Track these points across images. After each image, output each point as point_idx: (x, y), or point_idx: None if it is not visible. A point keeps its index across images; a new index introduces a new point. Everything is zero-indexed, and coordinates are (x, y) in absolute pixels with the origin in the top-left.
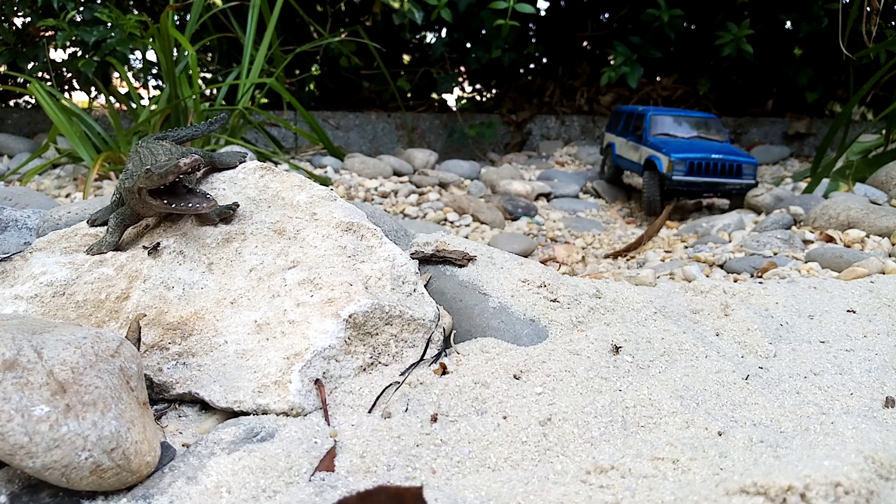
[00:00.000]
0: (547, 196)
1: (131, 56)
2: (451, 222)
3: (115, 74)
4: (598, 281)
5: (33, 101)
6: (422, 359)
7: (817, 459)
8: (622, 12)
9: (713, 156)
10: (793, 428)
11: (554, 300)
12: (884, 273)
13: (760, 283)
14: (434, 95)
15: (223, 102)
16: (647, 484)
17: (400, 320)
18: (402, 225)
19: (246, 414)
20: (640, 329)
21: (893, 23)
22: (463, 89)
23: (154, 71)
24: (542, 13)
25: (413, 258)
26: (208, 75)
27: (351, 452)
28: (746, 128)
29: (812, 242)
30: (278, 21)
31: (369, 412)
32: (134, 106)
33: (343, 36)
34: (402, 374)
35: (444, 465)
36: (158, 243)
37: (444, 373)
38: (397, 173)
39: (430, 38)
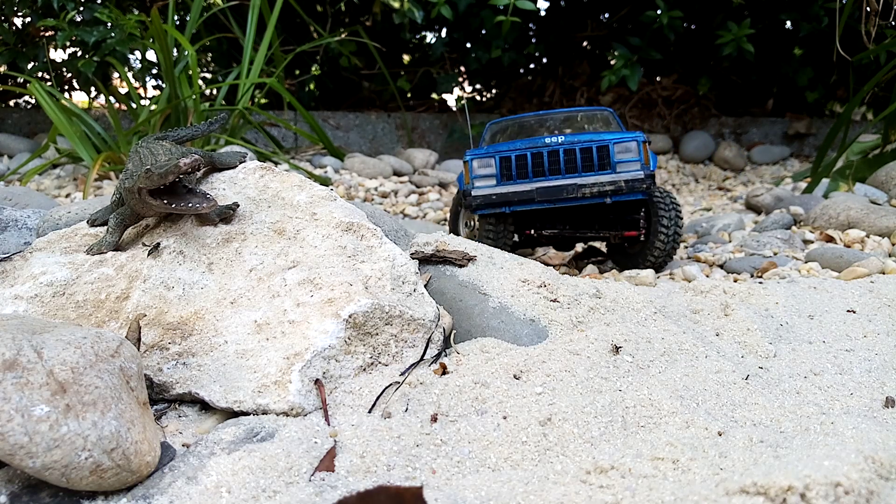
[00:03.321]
0: None
1: (131, 56)
2: None
3: (115, 74)
4: (598, 281)
5: (33, 101)
6: (422, 359)
7: (817, 459)
8: (622, 12)
9: (548, 140)
10: (793, 428)
11: (554, 300)
12: (884, 273)
13: (760, 283)
14: (434, 95)
15: (223, 102)
16: (647, 484)
17: (400, 320)
18: (402, 225)
19: (246, 414)
20: (640, 329)
21: (894, 23)
22: (463, 89)
23: (154, 71)
24: (542, 13)
25: (413, 258)
26: (208, 75)
27: (351, 452)
28: (746, 128)
29: (812, 242)
30: (278, 21)
31: (369, 412)
32: (134, 106)
33: (343, 36)
34: (402, 374)
35: (444, 465)
36: (158, 243)
37: (444, 373)
38: (397, 173)
39: (430, 37)
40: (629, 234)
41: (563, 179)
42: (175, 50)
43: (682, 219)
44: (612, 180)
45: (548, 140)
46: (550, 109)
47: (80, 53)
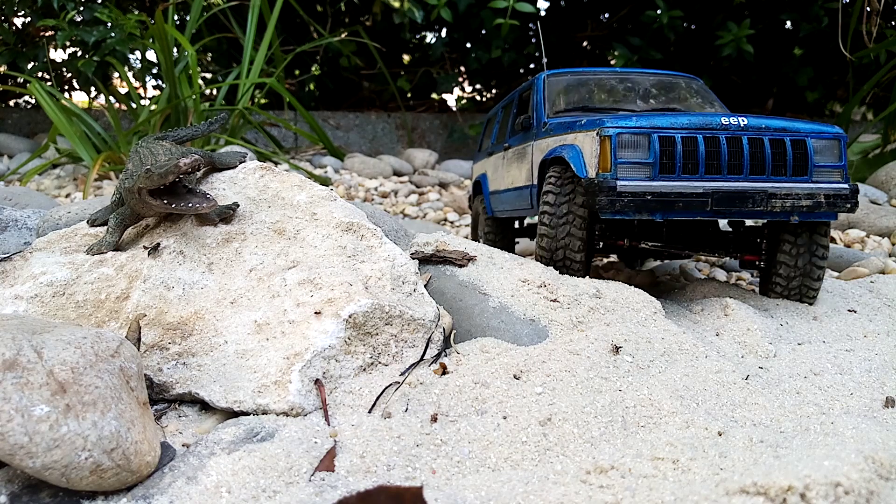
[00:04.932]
0: None
1: (131, 56)
2: (451, 222)
3: (115, 74)
4: (598, 281)
5: (33, 101)
6: (422, 359)
7: (817, 459)
8: (622, 12)
9: (725, 119)
10: (793, 428)
11: (554, 300)
12: (884, 273)
13: None
14: (434, 95)
15: (223, 102)
16: (647, 484)
17: (400, 320)
18: (402, 225)
19: (246, 414)
20: (640, 329)
21: (894, 23)
22: (463, 89)
23: (154, 71)
24: (543, 13)
25: (413, 258)
26: (208, 75)
27: (351, 452)
28: None
29: None
30: (278, 21)
31: (369, 412)
32: (134, 106)
33: (343, 36)
34: (402, 374)
35: (444, 465)
36: (158, 243)
37: (444, 373)
38: (397, 173)
39: (430, 38)
40: (749, 258)
41: (748, 182)
42: (175, 50)
43: (823, 248)
44: (810, 192)
45: (724, 120)
46: (628, 69)
47: (80, 53)
